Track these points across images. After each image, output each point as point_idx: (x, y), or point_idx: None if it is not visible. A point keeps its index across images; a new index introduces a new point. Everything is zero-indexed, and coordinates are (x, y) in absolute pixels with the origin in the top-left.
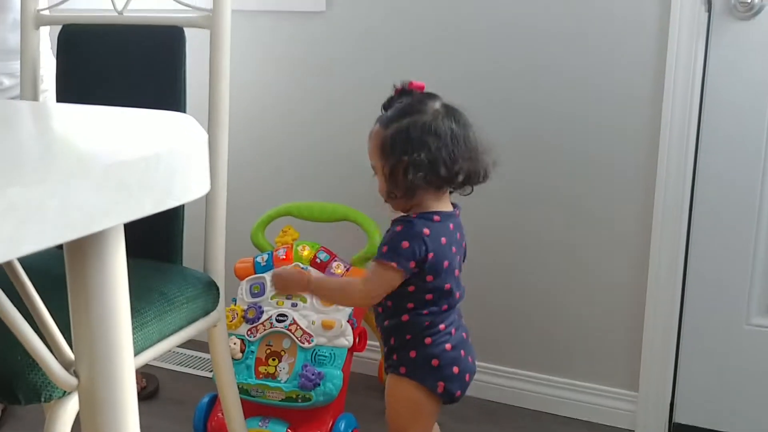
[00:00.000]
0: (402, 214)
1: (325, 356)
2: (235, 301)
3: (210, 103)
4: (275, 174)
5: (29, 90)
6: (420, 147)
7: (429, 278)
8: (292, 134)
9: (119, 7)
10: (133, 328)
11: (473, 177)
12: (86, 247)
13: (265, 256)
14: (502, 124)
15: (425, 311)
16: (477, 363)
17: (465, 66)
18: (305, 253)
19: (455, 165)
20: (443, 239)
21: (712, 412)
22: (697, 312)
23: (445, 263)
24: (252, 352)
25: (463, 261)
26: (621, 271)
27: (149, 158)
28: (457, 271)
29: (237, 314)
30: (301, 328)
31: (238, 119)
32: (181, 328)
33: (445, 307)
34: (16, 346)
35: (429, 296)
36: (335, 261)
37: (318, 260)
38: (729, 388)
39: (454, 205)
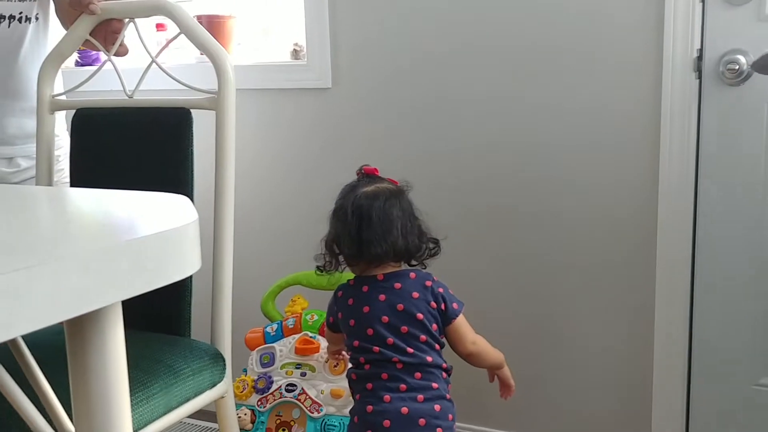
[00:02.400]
0: None
1: (335, 425)
2: (246, 371)
3: (216, 181)
4: (284, 245)
5: (44, 171)
6: (332, 227)
7: (343, 335)
8: (299, 206)
9: (129, 91)
10: (139, 401)
11: (387, 255)
12: (84, 324)
13: (275, 326)
14: (497, 197)
15: (353, 366)
16: (487, 429)
17: (472, 138)
18: (313, 321)
19: (354, 246)
20: (351, 300)
21: None
22: (704, 375)
23: (351, 321)
24: (262, 422)
25: (406, 324)
26: (626, 335)
27: (139, 242)
28: (370, 330)
29: (247, 385)
30: (310, 398)
31: (249, 191)
32: (187, 400)
33: (364, 361)
34: (20, 421)
35: (349, 352)
36: None
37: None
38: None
39: (393, 274)
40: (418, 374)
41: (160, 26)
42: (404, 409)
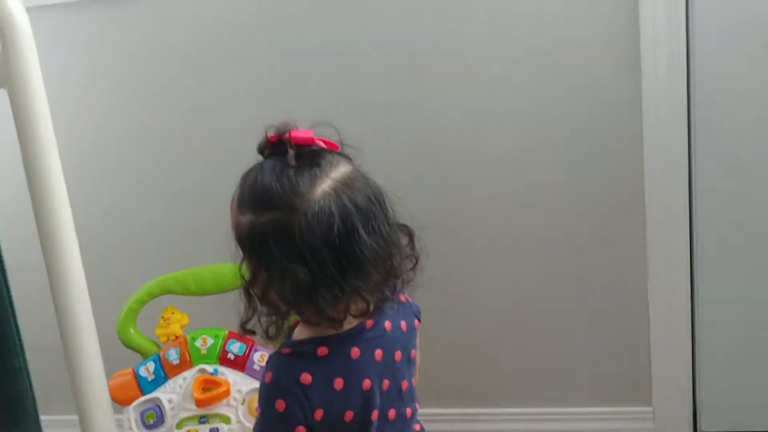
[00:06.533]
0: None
1: None
2: None
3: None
4: (140, 242)
5: None
6: (284, 269)
7: None
8: (147, 185)
9: None
10: None
11: (376, 289)
12: None
13: (151, 365)
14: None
15: None
16: (472, 409)
17: None
18: (208, 347)
19: (337, 285)
20: (338, 381)
21: (739, 414)
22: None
23: (348, 414)
24: None
25: (405, 376)
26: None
27: None
28: (375, 414)
29: None
30: None
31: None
32: None
33: None
34: None
35: None
36: (256, 351)
37: (230, 356)
38: (754, 385)
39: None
40: None
41: None
42: None
